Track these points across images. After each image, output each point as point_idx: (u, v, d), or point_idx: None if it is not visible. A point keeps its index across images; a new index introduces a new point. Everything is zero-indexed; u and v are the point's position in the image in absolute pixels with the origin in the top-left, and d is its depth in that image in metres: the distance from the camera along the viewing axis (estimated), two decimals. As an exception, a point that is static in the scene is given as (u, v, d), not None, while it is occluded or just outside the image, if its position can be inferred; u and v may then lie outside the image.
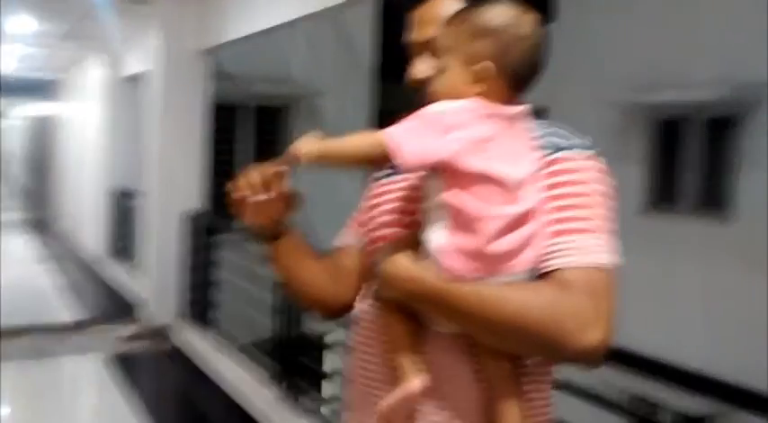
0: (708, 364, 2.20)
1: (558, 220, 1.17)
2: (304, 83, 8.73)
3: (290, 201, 1.38)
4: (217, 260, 6.10)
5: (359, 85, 8.95)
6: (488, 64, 1.16)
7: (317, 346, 4.84)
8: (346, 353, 1.43)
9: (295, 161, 1.22)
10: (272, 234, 1.44)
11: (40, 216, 16.66)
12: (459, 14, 1.21)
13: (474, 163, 1.13)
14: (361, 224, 1.50)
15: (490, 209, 1.12)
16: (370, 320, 1.33)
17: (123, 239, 9.49)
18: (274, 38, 7.40)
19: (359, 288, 1.49)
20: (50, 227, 14.53)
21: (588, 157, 1.22)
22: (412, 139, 1.13)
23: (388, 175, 1.44)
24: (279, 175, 1.33)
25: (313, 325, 4.51)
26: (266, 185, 1.33)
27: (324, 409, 4.46)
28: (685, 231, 6.33)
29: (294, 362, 4.48)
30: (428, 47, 1.29)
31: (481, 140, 1.14)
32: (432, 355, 1.23)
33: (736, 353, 5.07)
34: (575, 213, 1.18)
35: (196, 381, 5.52)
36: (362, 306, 1.39)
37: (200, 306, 6.14)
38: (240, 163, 8.38)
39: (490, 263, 1.13)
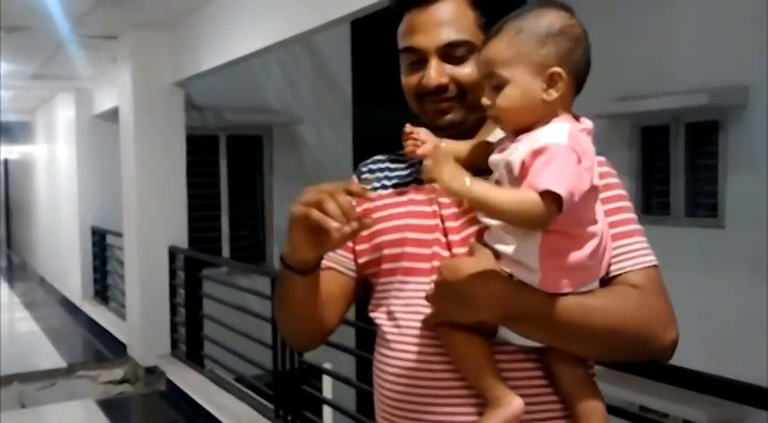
0: (707, 370, 2.17)
1: (611, 225, 1.22)
2: (281, 110, 8.67)
3: (358, 232, 1.17)
4: (204, 295, 5.97)
5: (338, 111, 8.91)
6: (560, 68, 1.16)
7: (316, 374, 4.74)
8: (377, 374, 1.34)
9: (448, 194, 1.07)
10: (311, 267, 1.26)
11: (17, 261, 16.43)
12: (510, 25, 1.19)
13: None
14: (355, 242, 1.37)
15: (588, 226, 1.15)
16: (430, 337, 1.25)
17: (104, 280, 9.33)
18: (248, 66, 7.35)
19: (343, 313, 1.42)
20: (29, 272, 14.31)
21: (606, 164, 1.28)
22: (567, 184, 1.07)
23: (384, 188, 1.39)
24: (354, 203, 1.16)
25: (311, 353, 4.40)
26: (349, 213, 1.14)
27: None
28: (678, 238, 6.31)
29: (295, 392, 4.37)
30: (440, 53, 1.28)
31: (595, 162, 1.16)
32: (502, 370, 1.22)
33: (735, 358, 5.04)
34: (620, 217, 1.24)
35: (193, 419, 5.38)
36: (389, 325, 1.31)
37: (192, 343, 6.01)
38: (214, 195, 8.31)
39: (582, 275, 1.16)
